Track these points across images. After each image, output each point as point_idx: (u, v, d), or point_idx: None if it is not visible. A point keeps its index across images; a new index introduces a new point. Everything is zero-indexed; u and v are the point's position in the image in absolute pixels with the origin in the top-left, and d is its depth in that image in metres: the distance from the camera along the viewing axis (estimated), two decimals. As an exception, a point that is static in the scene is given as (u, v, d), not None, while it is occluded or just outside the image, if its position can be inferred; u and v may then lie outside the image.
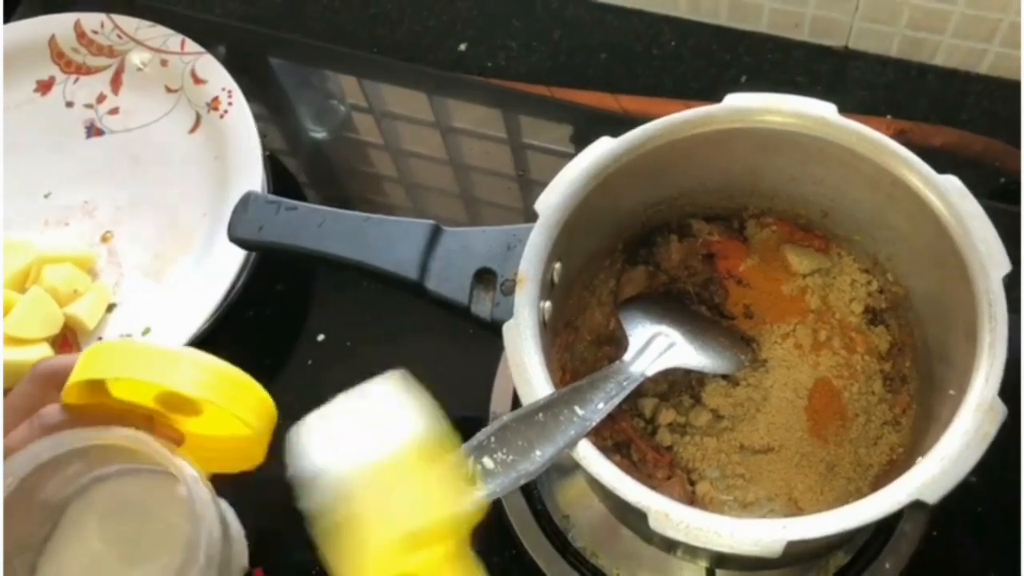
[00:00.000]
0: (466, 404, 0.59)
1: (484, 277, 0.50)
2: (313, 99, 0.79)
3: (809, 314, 0.56)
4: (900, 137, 0.55)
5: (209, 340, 0.64)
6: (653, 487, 0.41)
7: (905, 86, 0.73)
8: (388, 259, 0.51)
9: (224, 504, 0.52)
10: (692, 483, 0.52)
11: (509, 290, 0.48)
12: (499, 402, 0.59)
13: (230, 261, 0.65)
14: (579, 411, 0.43)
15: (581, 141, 0.51)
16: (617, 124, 0.51)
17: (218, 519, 0.43)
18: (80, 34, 0.77)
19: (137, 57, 0.76)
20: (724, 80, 0.75)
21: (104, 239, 0.70)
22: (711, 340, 0.54)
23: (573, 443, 0.42)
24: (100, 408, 0.44)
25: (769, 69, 0.75)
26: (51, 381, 0.44)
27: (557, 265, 0.49)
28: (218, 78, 0.73)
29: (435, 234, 0.51)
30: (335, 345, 0.66)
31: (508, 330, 0.45)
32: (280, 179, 0.73)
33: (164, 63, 0.75)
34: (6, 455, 0.42)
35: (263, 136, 0.70)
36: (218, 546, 0.42)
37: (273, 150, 0.75)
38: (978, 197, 0.46)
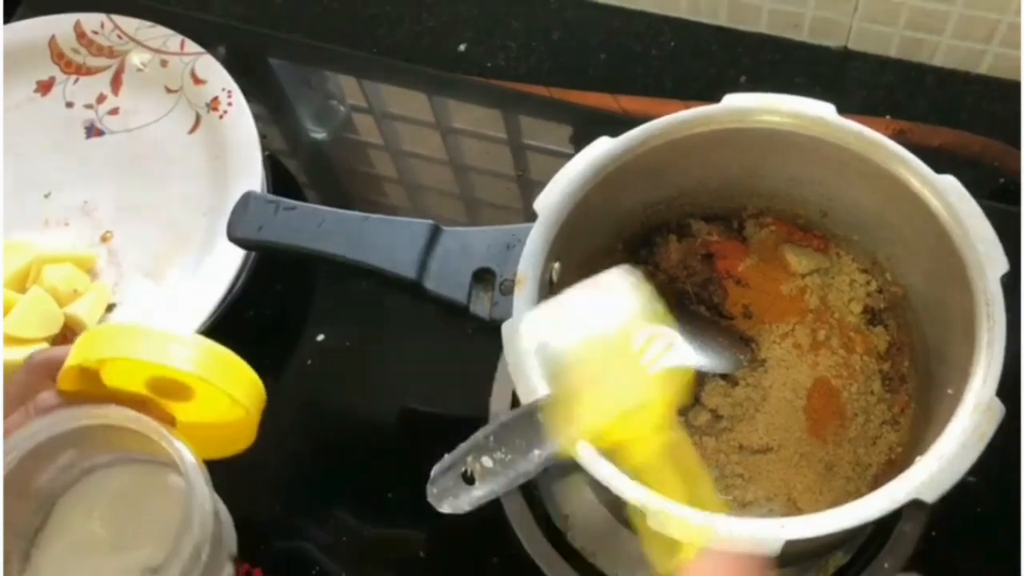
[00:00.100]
0: (466, 404, 0.59)
1: (483, 277, 0.50)
2: (313, 99, 0.79)
3: (808, 314, 0.56)
4: (899, 137, 0.55)
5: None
6: (652, 486, 0.41)
7: (904, 86, 0.73)
8: (387, 259, 0.51)
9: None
10: (691, 483, 0.52)
11: (508, 290, 0.48)
12: (499, 402, 0.59)
13: (230, 261, 0.65)
14: (579, 410, 0.43)
15: (581, 141, 0.51)
16: (616, 124, 0.51)
17: (211, 504, 0.43)
18: (80, 34, 0.77)
19: (137, 57, 0.76)
20: (723, 80, 0.75)
21: (104, 239, 0.70)
22: (710, 340, 0.54)
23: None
24: (94, 396, 0.44)
25: (768, 70, 0.75)
26: (47, 370, 0.45)
27: (556, 265, 0.49)
28: (218, 78, 0.73)
29: (434, 234, 0.51)
30: (335, 345, 0.66)
31: (507, 329, 0.45)
32: (280, 179, 0.72)
33: (164, 63, 0.75)
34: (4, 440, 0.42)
35: (263, 136, 0.70)
36: (210, 530, 0.42)
37: (273, 150, 0.75)
38: (977, 197, 0.46)
